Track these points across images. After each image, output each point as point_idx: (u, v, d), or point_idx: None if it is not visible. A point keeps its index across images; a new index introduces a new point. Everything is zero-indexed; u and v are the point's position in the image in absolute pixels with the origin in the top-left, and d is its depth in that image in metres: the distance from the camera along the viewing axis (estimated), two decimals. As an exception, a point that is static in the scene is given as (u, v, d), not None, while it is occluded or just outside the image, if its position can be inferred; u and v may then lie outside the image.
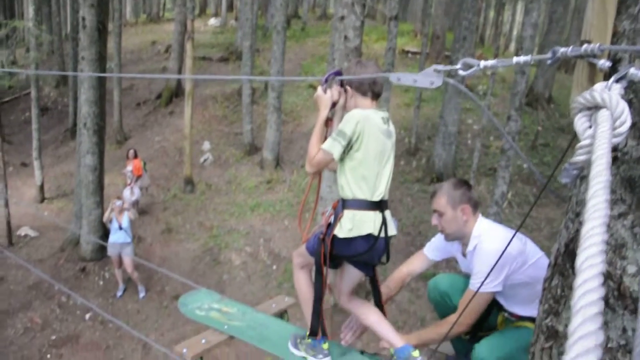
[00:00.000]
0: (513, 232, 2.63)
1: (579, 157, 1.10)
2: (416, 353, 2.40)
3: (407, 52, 21.20)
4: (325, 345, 2.56)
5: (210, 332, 2.93)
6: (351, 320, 2.84)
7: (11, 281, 10.20)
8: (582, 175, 1.38)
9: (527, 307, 2.59)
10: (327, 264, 2.41)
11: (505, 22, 31.04)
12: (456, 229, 2.64)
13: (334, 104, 2.44)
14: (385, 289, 2.87)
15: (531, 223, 11.27)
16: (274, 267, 10.15)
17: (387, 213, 2.40)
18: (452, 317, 2.55)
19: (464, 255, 2.72)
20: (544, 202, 11.86)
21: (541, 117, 15.89)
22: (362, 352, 2.70)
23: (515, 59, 1.62)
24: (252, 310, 3.16)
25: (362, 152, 2.30)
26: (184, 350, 2.74)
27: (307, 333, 2.57)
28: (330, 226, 2.37)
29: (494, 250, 2.41)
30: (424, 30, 17.67)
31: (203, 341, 2.83)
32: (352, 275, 2.58)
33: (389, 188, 2.43)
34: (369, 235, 2.30)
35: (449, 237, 2.72)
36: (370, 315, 2.55)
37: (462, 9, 12.90)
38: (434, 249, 2.94)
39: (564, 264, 1.43)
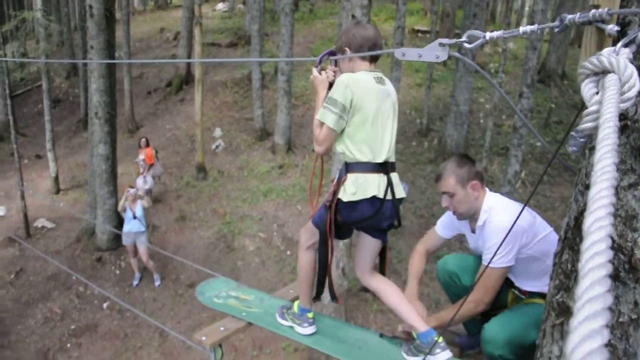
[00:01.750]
0: (521, 205, 2.59)
1: (586, 124, 1.06)
2: (440, 338, 2.35)
3: (417, 31, 20.96)
4: (310, 315, 2.60)
5: (228, 320, 2.93)
6: None
7: (30, 272, 10.34)
8: (592, 146, 1.33)
9: (537, 283, 2.56)
10: (332, 233, 2.35)
11: (517, -3, 30.48)
12: (468, 207, 2.59)
13: (330, 84, 2.42)
14: (415, 269, 2.87)
15: (545, 202, 11.17)
16: (288, 252, 10.18)
17: (394, 175, 2.36)
18: (471, 297, 2.51)
19: (473, 231, 2.68)
20: (557, 180, 11.75)
21: (554, 94, 15.68)
22: (380, 335, 2.67)
23: (521, 29, 1.57)
24: (269, 297, 3.16)
25: (357, 115, 2.26)
26: (203, 338, 2.75)
27: (313, 295, 2.57)
28: (335, 193, 2.33)
29: (505, 223, 2.37)
30: (434, 8, 17.45)
31: (222, 329, 2.83)
32: (368, 245, 2.51)
33: (393, 150, 2.38)
34: (374, 198, 2.25)
35: (462, 217, 2.67)
36: (392, 295, 2.47)
37: (472, -15, 12.67)
38: (443, 226, 2.90)
39: (573, 238, 1.38)
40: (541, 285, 2.52)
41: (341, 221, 2.36)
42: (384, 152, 2.31)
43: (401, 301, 2.45)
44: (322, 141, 2.30)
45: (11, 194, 13.61)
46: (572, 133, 1.11)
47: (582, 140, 1.10)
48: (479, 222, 2.57)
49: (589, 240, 0.61)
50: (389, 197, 2.30)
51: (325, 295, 2.57)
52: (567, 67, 16.79)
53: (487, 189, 2.62)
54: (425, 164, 13.01)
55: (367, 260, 2.53)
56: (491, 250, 2.42)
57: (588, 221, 0.64)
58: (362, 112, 2.25)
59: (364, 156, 2.27)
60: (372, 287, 2.56)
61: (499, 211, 2.49)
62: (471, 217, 2.66)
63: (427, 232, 3.02)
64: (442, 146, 13.26)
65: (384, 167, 2.30)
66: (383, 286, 2.52)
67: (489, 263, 2.33)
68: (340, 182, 2.30)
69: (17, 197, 12.14)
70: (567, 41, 16.60)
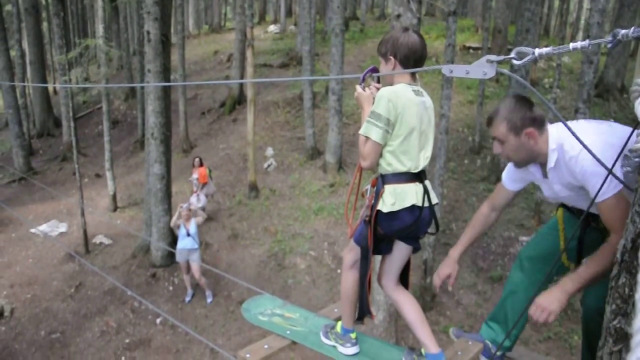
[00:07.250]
0: (595, 122, 2.20)
1: (641, 142, 1.00)
2: None
3: (469, 48, 20.73)
4: (353, 335, 2.62)
5: (272, 338, 2.93)
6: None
7: (89, 287, 10.69)
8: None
9: None
10: (372, 246, 2.36)
11: (572, 11, 29.72)
12: (525, 155, 2.37)
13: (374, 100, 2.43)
14: (470, 229, 2.80)
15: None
16: (338, 270, 10.13)
17: (427, 183, 2.38)
18: (614, 238, 2.03)
19: (546, 176, 2.41)
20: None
21: (613, 109, 15.12)
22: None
23: (572, 45, 1.53)
24: (314, 316, 3.14)
25: (399, 128, 2.27)
26: (247, 355, 2.75)
27: (355, 316, 2.58)
28: (373, 206, 2.35)
29: (592, 143, 1.89)
30: (485, 24, 17.22)
31: (265, 346, 2.83)
32: (401, 252, 2.50)
33: (429, 159, 2.40)
34: (413, 207, 2.29)
35: (518, 165, 2.46)
36: (411, 311, 2.48)
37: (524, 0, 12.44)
38: (509, 178, 2.66)
39: (631, 261, 1.31)
40: None
41: (382, 233, 2.37)
42: (422, 162, 2.35)
43: (418, 318, 2.47)
44: (367, 155, 2.32)
45: (72, 211, 14.17)
46: (626, 153, 1.05)
47: (637, 160, 1.04)
48: (550, 164, 2.31)
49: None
50: (426, 204, 2.33)
51: (376, 314, 2.55)
52: (626, 80, 16.17)
53: (548, 125, 2.36)
54: (478, 181, 12.76)
55: (396, 267, 2.54)
56: (598, 179, 1.98)
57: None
58: (404, 124, 2.27)
59: (403, 167, 2.30)
60: (394, 298, 2.57)
61: (573, 141, 2.08)
62: (534, 162, 2.42)
63: (496, 187, 2.80)
64: (495, 164, 12.97)
65: (420, 176, 2.34)
66: (404, 299, 2.53)
67: (608, 195, 1.99)
68: (378, 194, 2.33)
69: (78, 214, 12.62)
70: (627, 53, 16.00)
